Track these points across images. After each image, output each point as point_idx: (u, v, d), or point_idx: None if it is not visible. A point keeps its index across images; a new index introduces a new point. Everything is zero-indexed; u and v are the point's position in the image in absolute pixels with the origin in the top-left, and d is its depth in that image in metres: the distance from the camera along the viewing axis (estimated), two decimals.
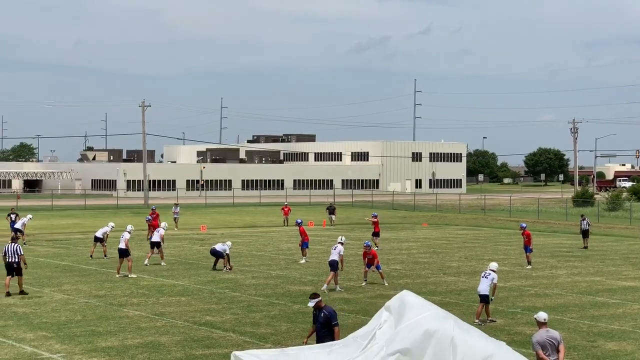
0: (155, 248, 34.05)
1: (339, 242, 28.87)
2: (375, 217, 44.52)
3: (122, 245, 30.56)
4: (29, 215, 44.20)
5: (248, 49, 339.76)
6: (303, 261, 35.59)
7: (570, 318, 23.22)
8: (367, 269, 29.15)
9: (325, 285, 27.67)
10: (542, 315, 14.60)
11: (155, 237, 34.40)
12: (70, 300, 25.30)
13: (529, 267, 34.32)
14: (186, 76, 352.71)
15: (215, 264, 32.58)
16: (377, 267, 29.02)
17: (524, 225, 36.78)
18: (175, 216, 53.96)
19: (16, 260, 26.06)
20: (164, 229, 35.49)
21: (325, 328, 15.27)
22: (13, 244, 26.58)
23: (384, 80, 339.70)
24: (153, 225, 42.39)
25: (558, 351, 14.14)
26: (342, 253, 28.31)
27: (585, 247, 43.08)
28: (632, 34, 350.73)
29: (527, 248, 35.06)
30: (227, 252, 32.49)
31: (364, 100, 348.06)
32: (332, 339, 14.89)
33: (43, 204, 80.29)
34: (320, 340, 15.10)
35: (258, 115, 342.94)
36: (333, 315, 15.32)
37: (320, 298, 15.66)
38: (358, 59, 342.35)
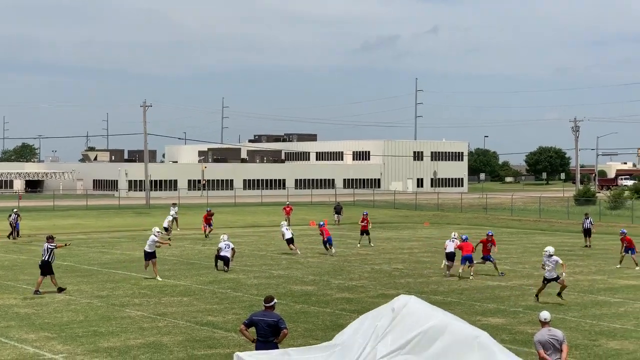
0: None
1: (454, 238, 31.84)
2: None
3: (149, 249, 30.06)
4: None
5: (251, 48, 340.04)
6: (334, 251, 38.29)
7: (572, 317, 23.22)
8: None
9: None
10: (544, 315, 14.60)
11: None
12: (73, 301, 25.32)
13: (638, 267, 34.27)
14: (188, 76, 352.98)
15: (216, 264, 32.59)
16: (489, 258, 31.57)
17: (624, 231, 36.51)
18: (174, 216, 53.74)
19: (47, 258, 26.73)
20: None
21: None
22: (47, 243, 26.99)
23: (388, 79, 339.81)
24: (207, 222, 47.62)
25: (561, 350, 14.12)
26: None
27: (588, 246, 43.08)
28: (636, 33, 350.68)
29: (631, 250, 34.83)
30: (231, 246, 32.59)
31: (367, 100, 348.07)
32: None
33: (45, 205, 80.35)
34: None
35: (259, 115, 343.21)
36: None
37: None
38: (363, 58, 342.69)
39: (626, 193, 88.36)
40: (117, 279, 30.13)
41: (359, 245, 42.32)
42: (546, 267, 25.26)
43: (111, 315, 22.96)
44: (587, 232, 44.25)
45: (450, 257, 31.59)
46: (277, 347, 14.58)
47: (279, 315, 14.91)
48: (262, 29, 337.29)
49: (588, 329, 21.69)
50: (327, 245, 38.39)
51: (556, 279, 24.91)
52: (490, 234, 32.45)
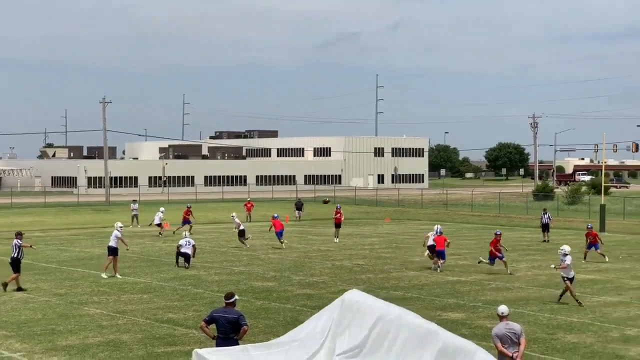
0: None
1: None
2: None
3: (114, 244, 29.73)
4: None
5: (211, 44, 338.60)
6: (284, 246, 39.31)
7: (530, 311, 23.46)
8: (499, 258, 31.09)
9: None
10: (501, 309, 14.73)
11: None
12: (31, 299, 25.05)
13: (608, 259, 35.17)
14: (148, 72, 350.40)
15: (177, 260, 32.45)
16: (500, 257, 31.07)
17: (591, 225, 36.91)
18: (134, 213, 53.46)
19: (16, 255, 26.44)
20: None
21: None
22: (16, 240, 26.77)
23: (349, 75, 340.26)
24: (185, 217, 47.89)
25: (519, 344, 14.26)
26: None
27: (546, 241, 43.55)
28: (594, 31, 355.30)
29: (595, 246, 35.43)
30: (192, 243, 32.55)
31: (328, 96, 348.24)
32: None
33: (2, 202, 79.25)
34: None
35: (221, 112, 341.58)
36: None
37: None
38: (325, 55, 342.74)
39: (583, 188, 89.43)
40: (76, 276, 29.86)
41: (337, 240, 42.73)
42: (562, 266, 24.76)
43: (70, 314, 22.75)
44: (545, 227, 44.79)
45: (432, 249, 32.17)
46: (237, 344, 14.54)
47: (239, 311, 14.87)
48: (223, 25, 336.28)
49: (546, 322, 21.94)
50: (280, 239, 39.51)
51: (572, 278, 24.65)
52: (498, 233, 31.96)
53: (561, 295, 25.04)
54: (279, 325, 21.17)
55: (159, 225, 46.37)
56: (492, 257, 31.14)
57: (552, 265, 26.53)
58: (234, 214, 44.20)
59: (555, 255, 37.17)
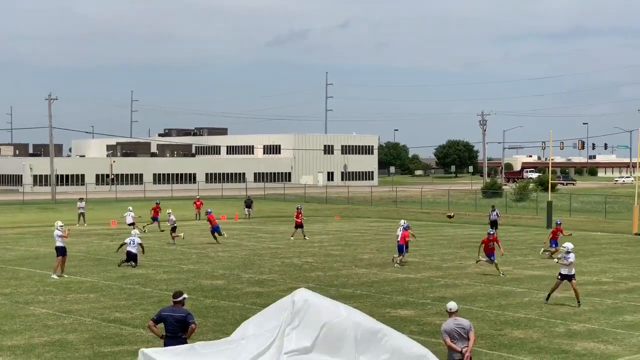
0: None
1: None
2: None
3: (61, 243, 29.04)
4: None
5: (160, 41, 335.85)
6: (226, 235, 40.98)
7: (478, 307, 23.64)
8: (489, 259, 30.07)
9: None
10: (450, 305, 14.81)
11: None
12: None
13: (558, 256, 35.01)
14: (95, 69, 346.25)
15: (125, 259, 32.04)
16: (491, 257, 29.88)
17: (559, 222, 36.56)
18: (81, 211, 52.75)
19: None
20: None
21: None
22: None
23: (299, 73, 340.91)
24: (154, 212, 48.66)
25: (467, 339, 14.35)
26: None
27: None
28: (541, 29, 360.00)
29: (556, 242, 34.85)
30: (139, 241, 32.09)
31: (278, 93, 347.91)
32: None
33: None
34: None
35: (170, 109, 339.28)
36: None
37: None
38: (275, 52, 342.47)
39: (531, 185, 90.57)
40: (21, 276, 29.37)
41: (292, 239, 42.64)
42: (564, 263, 24.23)
43: (15, 313, 22.36)
44: (493, 224, 45.21)
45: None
46: (186, 343, 14.40)
47: (187, 310, 14.75)
48: (172, 21, 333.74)
49: (493, 318, 22.12)
50: (216, 234, 40.17)
51: (571, 277, 24.03)
52: (491, 232, 31.13)
53: (578, 300, 24.16)
54: (228, 323, 21.03)
55: (131, 224, 45.41)
56: (489, 254, 30.19)
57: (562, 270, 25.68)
58: (169, 210, 44.17)
59: (504, 252, 37.55)
